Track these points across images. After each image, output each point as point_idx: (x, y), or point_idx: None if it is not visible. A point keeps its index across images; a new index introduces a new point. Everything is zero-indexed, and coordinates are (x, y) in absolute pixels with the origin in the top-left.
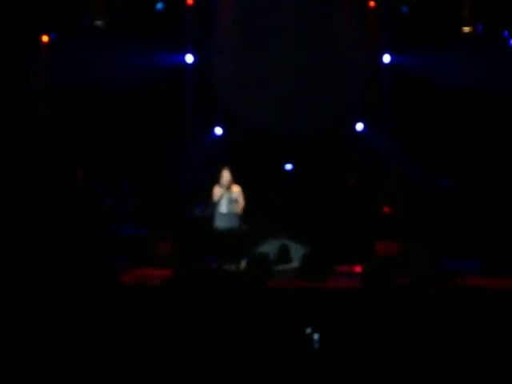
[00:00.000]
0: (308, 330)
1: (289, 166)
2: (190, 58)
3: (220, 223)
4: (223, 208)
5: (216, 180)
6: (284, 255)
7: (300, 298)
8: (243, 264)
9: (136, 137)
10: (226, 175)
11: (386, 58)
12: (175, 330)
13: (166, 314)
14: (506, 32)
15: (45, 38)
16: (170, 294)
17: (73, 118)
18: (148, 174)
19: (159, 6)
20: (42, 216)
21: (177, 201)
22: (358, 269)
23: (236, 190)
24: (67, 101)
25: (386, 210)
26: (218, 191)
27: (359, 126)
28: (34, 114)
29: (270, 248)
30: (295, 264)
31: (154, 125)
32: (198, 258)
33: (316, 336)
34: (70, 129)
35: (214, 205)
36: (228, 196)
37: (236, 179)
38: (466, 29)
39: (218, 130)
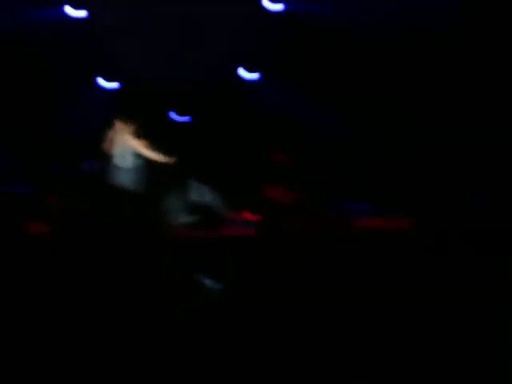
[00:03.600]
0: (204, 279)
1: (179, 117)
2: (72, 11)
3: (115, 178)
4: (119, 161)
5: (108, 134)
6: (183, 207)
7: (195, 247)
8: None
9: (23, 92)
10: (119, 127)
11: (277, 6)
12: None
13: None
14: None
15: None
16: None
17: None
18: (36, 128)
19: None
20: None
21: (66, 155)
22: (251, 216)
23: (132, 142)
24: None
25: (279, 157)
26: (111, 144)
27: (246, 74)
28: None
29: (172, 203)
30: (191, 216)
31: (40, 79)
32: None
33: (213, 284)
34: None
35: (107, 159)
36: (123, 149)
37: (133, 130)
38: None
39: (103, 82)
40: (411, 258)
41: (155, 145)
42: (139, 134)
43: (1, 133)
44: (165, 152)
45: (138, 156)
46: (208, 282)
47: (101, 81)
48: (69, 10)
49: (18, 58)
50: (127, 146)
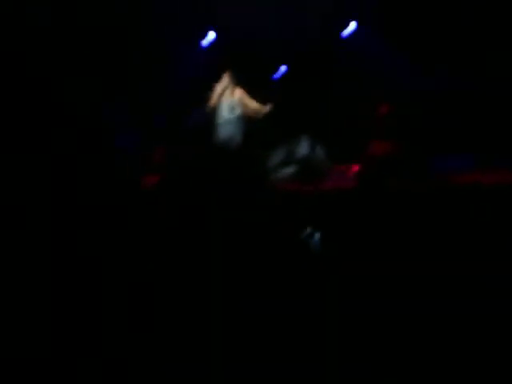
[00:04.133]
0: (309, 230)
1: (283, 68)
2: None
3: (221, 131)
4: (224, 113)
5: (216, 83)
6: (288, 160)
7: (298, 199)
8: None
9: (125, 49)
10: (226, 79)
11: None
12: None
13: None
14: None
15: None
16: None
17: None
18: (141, 80)
19: None
20: None
21: (172, 108)
22: (355, 168)
23: (238, 93)
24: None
25: (382, 110)
26: (218, 96)
27: (350, 27)
28: None
29: (275, 154)
30: (292, 168)
31: (139, 32)
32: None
33: (317, 235)
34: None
35: (213, 110)
36: (230, 100)
37: (240, 80)
38: None
39: (211, 35)
40: None
41: (259, 97)
42: (243, 86)
43: (107, 88)
44: (268, 104)
45: (242, 108)
46: (311, 234)
47: (211, 34)
48: None
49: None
50: (235, 97)
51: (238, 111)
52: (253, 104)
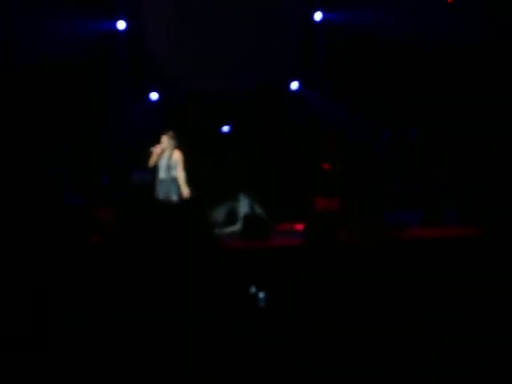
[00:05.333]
0: (252, 290)
1: (226, 128)
2: (121, 24)
3: (158, 191)
4: (161, 174)
5: (155, 145)
6: (231, 217)
7: (242, 257)
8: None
9: (72, 103)
10: (164, 141)
11: (318, 16)
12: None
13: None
14: None
15: None
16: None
17: (9, 89)
18: (85, 140)
19: None
20: None
21: (116, 168)
22: (299, 226)
23: (176, 155)
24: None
25: (325, 166)
26: (157, 157)
27: (294, 85)
28: None
29: (216, 211)
30: (238, 226)
31: (89, 91)
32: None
33: (261, 294)
34: (6, 100)
35: (153, 171)
36: (167, 162)
37: (178, 141)
38: None
39: (154, 95)
40: (474, 271)
41: (201, 156)
42: (184, 147)
43: (52, 145)
44: (211, 163)
45: (182, 168)
46: (254, 291)
47: (152, 94)
48: (120, 24)
49: (67, 71)
50: (172, 159)
51: (173, 172)
52: (180, 173)
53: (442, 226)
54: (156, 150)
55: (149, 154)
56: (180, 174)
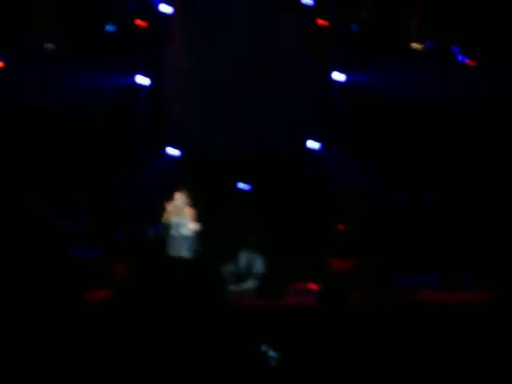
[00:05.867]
0: (264, 348)
1: (242, 186)
2: (141, 79)
3: (170, 248)
4: (173, 231)
5: (169, 201)
6: (243, 274)
7: (256, 316)
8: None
9: (88, 158)
10: (177, 199)
11: (338, 75)
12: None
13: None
14: (454, 47)
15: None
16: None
17: (24, 142)
18: (101, 195)
19: (109, 27)
20: None
21: (130, 222)
22: (313, 286)
23: (187, 212)
24: (18, 124)
25: (340, 227)
26: (169, 214)
27: (311, 144)
28: None
29: (229, 268)
30: (251, 283)
31: (106, 146)
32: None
33: (273, 353)
34: (20, 152)
35: (166, 227)
36: (178, 220)
37: (190, 200)
38: (415, 45)
39: (171, 151)
40: (485, 336)
41: (214, 213)
42: (196, 204)
43: (66, 197)
44: (225, 220)
45: (195, 225)
46: (267, 351)
47: (168, 149)
48: (139, 78)
49: (86, 124)
50: (183, 216)
51: (184, 230)
52: (192, 223)
53: (458, 290)
54: (168, 207)
55: (162, 210)
56: (192, 228)
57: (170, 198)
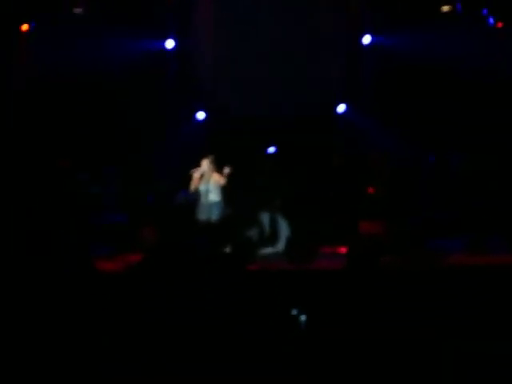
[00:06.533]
0: (294, 312)
1: (272, 149)
2: (170, 44)
3: (199, 213)
4: (202, 198)
5: (194, 169)
6: (270, 237)
7: (285, 280)
8: (228, 250)
9: (118, 123)
10: (204, 165)
11: (367, 39)
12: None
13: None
14: (485, 10)
15: (24, 27)
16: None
17: (55, 107)
18: (131, 160)
19: None
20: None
21: (160, 187)
22: (342, 249)
23: (216, 178)
24: (48, 90)
25: (370, 190)
26: (197, 180)
27: (341, 108)
28: (11, 105)
29: (256, 231)
30: (280, 247)
31: (136, 111)
32: (181, 244)
33: (303, 317)
34: (51, 118)
35: (196, 192)
36: (206, 186)
37: (218, 165)
38: (445, 8)
39: (201, 115)
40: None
41: (242, 178)
42: (225, 169)
43: (97, 163)
44: (253, 184)
45: (224, 190)
46: (298, 315)
47: (198, 114)
48: (169, 43)
49: (115, 90)
50: (211, 183)
51: (212, 196)
52: (221, 180)
53: (486, 253)
54: (195, 174)
55: (190, 177)
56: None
57: (197, 164)
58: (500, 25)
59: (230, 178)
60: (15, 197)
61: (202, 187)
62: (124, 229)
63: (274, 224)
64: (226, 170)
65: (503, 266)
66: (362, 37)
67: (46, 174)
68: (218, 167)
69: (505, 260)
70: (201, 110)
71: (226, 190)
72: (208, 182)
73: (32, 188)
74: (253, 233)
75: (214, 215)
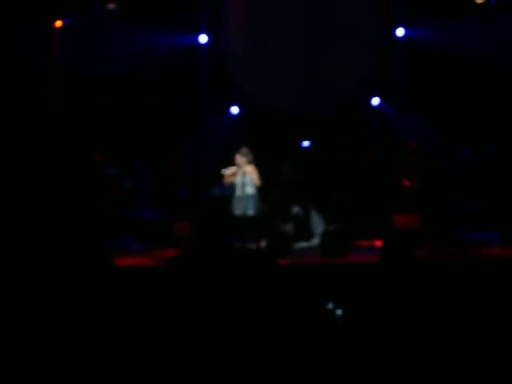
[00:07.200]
0: (330, 306)
1: (306, 143)
2: (203, 39)
3: (235, 207)
4: (237, 191)
5: (226, 168)
6: (304, 232)
7: (321, 274)
8: (263, 244)
9: (152, 118)
10: (238, 159)
11: (400, 31)
12: (186, 311)
13: (174, 296)
14: None
15: (58, 23)
16: (177, 274)
17: (88, 103)
18: (164, 155)
19: None
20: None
21: (194, 181)
22: (377, 243)
23: (249, 170)
24: (82, 86)
25: (405, 182)
26: (232, 174)
27: (375, 101)
28: (46, 101)
29: (290, 225)
30: (315, 241)
31: (169, 106)
32: (216, 239)
33: (339, 312)
34: (85, 113)
35: (231, 185)
36: (242, 179)
37: (252, 159)
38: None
39: (235, 109)
40: None
41: (277, 171)
42: (261, 161)
43: (130, 158)
44: (286, 177)
45: (257, 183)
46: (333, 309)
47: (233, 108)
48: (202, 38)
49: (149, 85)
50: (246, 176)
51: (248, 189)
52: (255, 179)
53: None
54: (227, 172)
55: (221, 176)
56: (255, 183)
57: (231, 158)
58: None
59: (265, 171)
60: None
61: (238, 180)
62: (157, 224)
63: (308, 218)
64: (251, 167)
65: None
66: (395, 29)
67: (79, 167)
68: (252, 160)
69: None
70: (234, 104)
71: (261, 184)
72: (243, 175)
73: (64, 182)
74: (288, 227)
75: (250, 208)
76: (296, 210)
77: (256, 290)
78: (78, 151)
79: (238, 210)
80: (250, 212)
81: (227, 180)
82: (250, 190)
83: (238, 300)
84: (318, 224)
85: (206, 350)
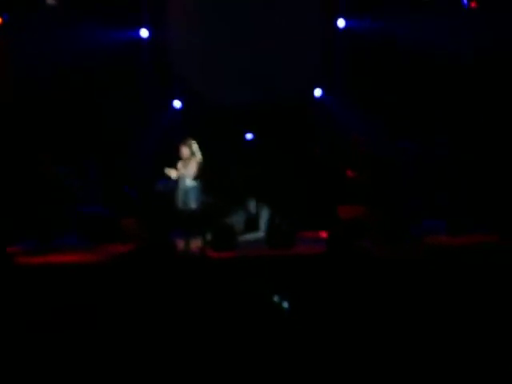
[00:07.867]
0: (276, 298)
1: (249, 136)
2: (144, 33)
3: (178, 200)
4: (180, 184)
5: (168, 170)
6: (251, 224)
7: (267, 265)
8: (208, 237)
9: (94, 114)
10: (182, 150)
11: (341, 23)
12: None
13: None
14: None
15: None
16: (124, 269)
17: (30, 101)
18: (109, 151)
19: None
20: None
21: (138, 177)
22: (323, 234)
23: (193, 164)
24: (23, 83)
25: (349, 174)
26: (178, 166)
27: (317, 92)
28: None
29: (236, 218)
30: (260, 233)
31: (112, 101)
32: (161, 234)
33: (285, 304)
34: (29, 112)
35: (176, 179)
36: (185, 172)
37: (195, 152)
38: None
39: (177, 103)
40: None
41: (221, 164)
42: (205, 155)
43: (76, 156)
44: (232, 171)
45: (202, 176)
46: (280, 301)
47: (175, 102)
48: (144, 32)
49: (90, 80)
50: (189, 168)
51: (188, 182)
52: (192, 172)
53: (465, 233)
54: (170, 172)
55: (165, 175)
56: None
57: (176, 149)
58: (473, 5)
59: (210, 164)
60: None
61: (180, 173)
62: (104, 221)
63: (254, 210)
64: (199, 156)
65: (482, 246)
66: (336, 20)
67: (25, 165)
68: (194, 153)
69: (479, 239)
70: (177, 98)
71: (202, 176)
72: (187, 168)
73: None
74: (234, 220)
75: (191, 200)
76: (242, 202)
77: (202, 281)
78: (22, 150)
79: (180, 203)
80: (192, 205)
81: (174, 171)
82: (190, 182)
83: (184, 294)
84: (264, 216)
85: (149, 343)
